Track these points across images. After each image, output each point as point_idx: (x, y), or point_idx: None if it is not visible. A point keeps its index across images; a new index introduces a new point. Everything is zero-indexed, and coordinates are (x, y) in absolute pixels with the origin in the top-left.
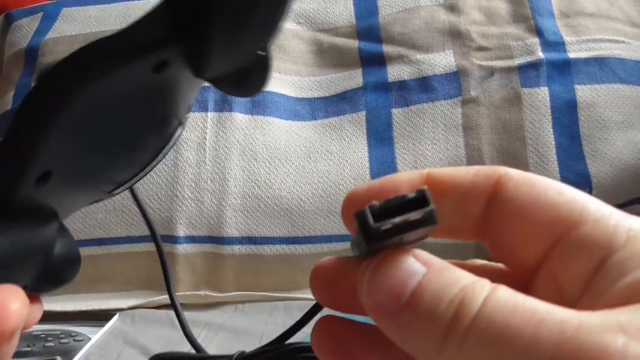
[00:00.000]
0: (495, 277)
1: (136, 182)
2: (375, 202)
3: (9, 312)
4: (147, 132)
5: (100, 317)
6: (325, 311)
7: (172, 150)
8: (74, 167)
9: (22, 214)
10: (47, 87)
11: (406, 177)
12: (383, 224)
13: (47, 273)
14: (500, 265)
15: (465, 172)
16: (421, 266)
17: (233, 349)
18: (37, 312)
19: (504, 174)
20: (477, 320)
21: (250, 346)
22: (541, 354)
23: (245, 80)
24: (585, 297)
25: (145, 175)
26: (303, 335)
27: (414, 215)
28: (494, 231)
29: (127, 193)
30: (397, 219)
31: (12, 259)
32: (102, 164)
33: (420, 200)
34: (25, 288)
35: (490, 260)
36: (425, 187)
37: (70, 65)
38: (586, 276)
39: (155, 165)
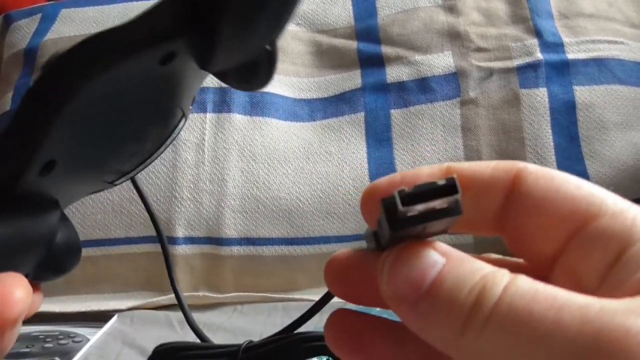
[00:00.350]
0: (512, 270)
1: (138, 172)
2: (404, 187)
3: (13, 300)
4: (151, 123)
5: (99, 318)
6: (328, 309)
7: (171, 151)
8: (78, 157)
9: (24, 203)
10: (52, 79)
11: (427, 170)
12: (410, 209)
13: (48, 262)
14: (517, 259)
15: (485, 166)
16: (440, 257)
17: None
18: (38, 301)
19: (523, 168)
20: (498, 307)
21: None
22: (563, 337)
23: (251, 74)
24: (603, 288)
25: (147, 165)
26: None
27: (440, 204)
28: (513, 225)
29: (127, 194)
30: (423, 206)
31: (15, 247)
32: (105, 153)
33: (448, 188)
34: (27, 276)
35: (507, 256)
36: (455, 175)
37: (76, 56)
38: (604, 268)
39: (157, 156)
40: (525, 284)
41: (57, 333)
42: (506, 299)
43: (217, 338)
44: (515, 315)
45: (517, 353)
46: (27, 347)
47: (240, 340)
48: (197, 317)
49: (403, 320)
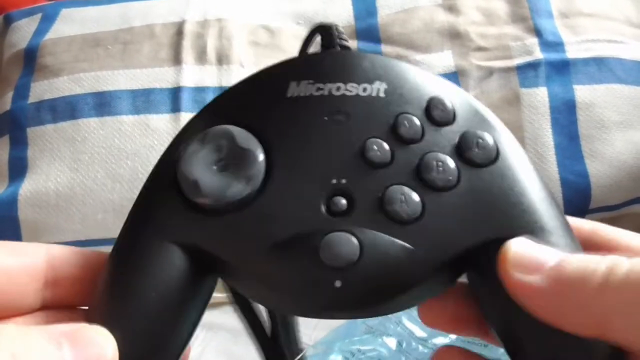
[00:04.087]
0: None
1: None
2: None
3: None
4: None
5: None
6: None
7: None
8: None
9: None
10: None
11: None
12: None
13: None
14: None
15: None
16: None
17: (233, 349)
18: None
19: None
20: (632, 267)
21: (250, 346)
22: None
23: None
24: None
25: None
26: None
27: None
28: None
29: (127, 194)
30: None
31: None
32: None
33: None
34: None
35: None
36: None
37: None
38: None
39: None
40: None
41: None
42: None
43: (218, 337)
44: None
45: None
46: None
47: (240, 340)
48: None
49: (527, 301)
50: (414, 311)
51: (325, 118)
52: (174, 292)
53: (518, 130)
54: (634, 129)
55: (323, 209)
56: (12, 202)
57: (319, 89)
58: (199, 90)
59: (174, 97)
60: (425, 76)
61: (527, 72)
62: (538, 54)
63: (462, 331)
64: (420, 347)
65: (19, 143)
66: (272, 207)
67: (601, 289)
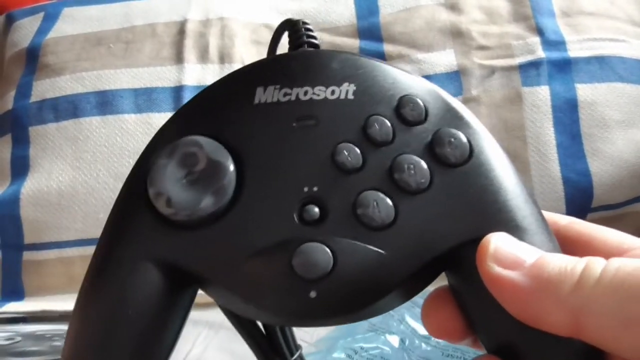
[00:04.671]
0: None
1: None
2: None
3: None
4: None
5: None
6: None
7: None
8: None
9: None
10: None
11: None
12: None
13: None
14: None
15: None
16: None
17: (235, 347)
18: None
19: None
20: (606, 268)
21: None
22: None
23: None
24: None
25: None
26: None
27: None
28: None
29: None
30: None
31: None
32: None
33: None
34: None
35: None
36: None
37: None
38: None
39: None
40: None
41: (63, 332)
42: (614, 263)
43: (219, 337)
44: (624, 274)
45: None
46: (34, 345)
47: (240, 339)
48: (199, 315)
49: (505, 297)
50: (417, 309)
51: (294, 124)
52: (152, 308)
53: (520, 129)
54: (636, 127)
55: (296, 218)
56: (14, 201)
57: (286, 94)
58: (201, 89)
59: (176, 96)
60: (396, 74)
61: (529, 70)
62: (540, 53)
63: (471, 342)
64: (423, 345)
65: (21, 142)
66: (244, 219)
67: (576, 289)
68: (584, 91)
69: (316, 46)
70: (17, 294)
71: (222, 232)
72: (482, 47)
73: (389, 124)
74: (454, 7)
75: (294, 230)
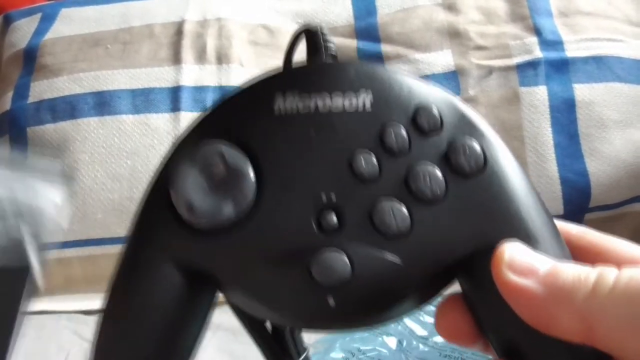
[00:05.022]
0: None
1: None
2: None
3: None
4: None
5: None
6: None
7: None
8: None
9: None
10: None
11: None
12: None
13: None
14: None
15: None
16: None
17: (234, 348)
18: None
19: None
20: (619, 277)
21: (249, 346)
22: None
23: None
24: None
25: None
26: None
27: None
28: None
29: (127, 193)
30: None
31: None
32: None
33: None
34: None
35: None
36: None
37: None
38: None
39: None
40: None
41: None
42: (627, 273)
43: (217, 337)
44: (636, 283)
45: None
46: None
47: (240, 339)
48: None
49: (519, 303)
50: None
51: (312, 133)
52: (174, 308)
53: (518, 129)
54: (634, 127)
55: (314, 225)
56: None
57: (305, 103)
58: (199, 89)
59: (173, 97)
60: (412, 83)
61: (527, 70)
62: (537, 53)
63: (482, 346)
64: (421, 346)
65: (19, 143)
66: (263, 225)
67: (589, 297)
68: (582, 91)
69: (334, 56)
70: None
71: (242, 237)
72: (479, 47)
73: (405, 133)
74: (451, 8)
75: (313, 237)
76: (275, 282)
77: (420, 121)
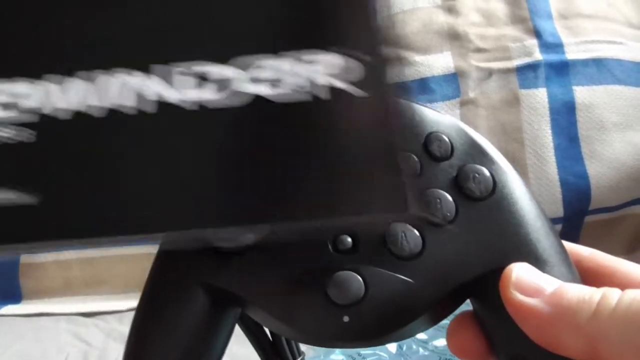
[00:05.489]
0: None
1: None
2: None
3: None
4: None
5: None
6: None
7: None
8: None
9: None
10: None
11: None
12: None
13: None
14: None
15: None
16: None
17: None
18: None
19: None
20: (622, 299)
21: (249, 346)
22: None
23: None
24: None
25: None
26: None
27: None
28: None
29: None
30: None
31: None
32: None
33: None
34: None
35: None
36: None
37: None
38: None
39: None
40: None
41: None
42: (629, 295)
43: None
44: (638, 305)
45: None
46: None
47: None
48: None
49: (526, 322)
50: None
51: None
52: (199, 326)
53: (517, 132)
54: (633, 130)
55: (330, 247)
56: None
57: None
58: None
59: None
60: (423, 112)
61: (527, 73)
62: (537, 55)
63: None
64: (421, 350)
65: None
66: (283, 247)
67: (593, 318)
68: (582, 93)
69: None
70: (15, 297)
71: (263, 259)
72: (479, 50)
73: (417, 159)
74: (451, 10)
75: (329, 258)
76: (293, 301)
77: (432, 148)
